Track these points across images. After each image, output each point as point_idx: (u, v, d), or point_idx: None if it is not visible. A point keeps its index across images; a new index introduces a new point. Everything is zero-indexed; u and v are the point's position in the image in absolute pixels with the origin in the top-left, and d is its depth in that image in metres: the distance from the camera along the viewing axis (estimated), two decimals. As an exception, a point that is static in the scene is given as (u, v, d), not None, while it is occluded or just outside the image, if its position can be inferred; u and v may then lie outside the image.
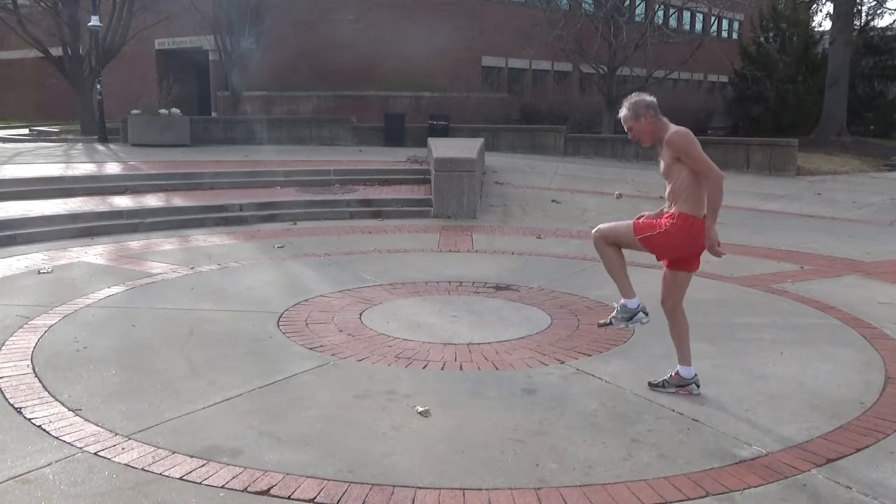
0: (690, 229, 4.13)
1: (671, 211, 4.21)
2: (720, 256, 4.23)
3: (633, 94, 4.28)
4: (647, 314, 4.39)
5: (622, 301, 4.40)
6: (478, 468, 3.49)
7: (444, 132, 20.12)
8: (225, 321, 5.73)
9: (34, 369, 4.62)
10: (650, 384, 4.44)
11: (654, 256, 4.40)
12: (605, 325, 4.53)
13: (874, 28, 31.19)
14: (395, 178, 13.42)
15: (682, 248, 4.21)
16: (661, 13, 28.18)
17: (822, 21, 45.24)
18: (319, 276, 7.21)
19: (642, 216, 4.36)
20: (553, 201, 12.18)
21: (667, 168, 4.19)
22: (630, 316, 4.38)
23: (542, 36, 24.52)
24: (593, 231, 4.41)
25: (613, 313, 4.45)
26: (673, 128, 4.14)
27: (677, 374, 4.40)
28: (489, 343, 5.22)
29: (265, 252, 8.29)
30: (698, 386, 4.38)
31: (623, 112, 4.22)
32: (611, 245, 4.33)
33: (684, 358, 4.41)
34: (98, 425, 3.86)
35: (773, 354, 5.06)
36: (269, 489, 3.28)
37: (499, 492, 3.29)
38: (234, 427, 3.88)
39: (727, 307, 6.26)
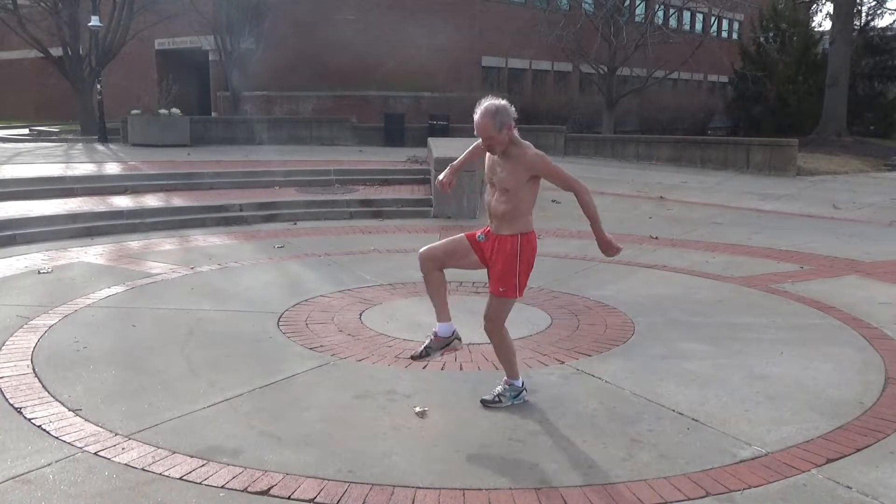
0: (532, 244, 4.04)
1: (504, 234, 3.96)
2: (614, 255, 4.04)
3: (491, 100, 3.88)
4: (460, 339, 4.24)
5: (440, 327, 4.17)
6: (478, 468, 3.49)
7: (444, 132, 20.13)
8: (225, 321, 5.72)
9: (34, 369, 4.62)
10: (484, 402, 4.17)
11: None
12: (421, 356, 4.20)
13: (874, 28, 31.14)
14: (395, 178, 13.42)
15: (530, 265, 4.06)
16: (661, 13, 28.18)
17: (822, 21, 45.35)
18: (319, 276, 7.21)
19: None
20: (553, 201, 12.15)
21: (516, 184, 3.89)
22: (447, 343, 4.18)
23: (542, 36, 24.55)
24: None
25: (427, 343, 4.18)
26: (527, 144, 3.92)
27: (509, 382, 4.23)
28: (489, 343, 5.21)
29: (265, 252, 8.29)
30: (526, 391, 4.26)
31: (484, 119, 3.83)
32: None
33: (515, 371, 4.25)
34: (98, 425, 3.86)
35: (773, 354, 5.06)
36: (269, 489, 3.28)
37: (499, 492, 3.29)
38: (234, 427, 3.88)
39: (727, 307, 6.26)
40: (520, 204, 3.95)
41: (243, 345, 5.19)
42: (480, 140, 4.04)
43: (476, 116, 3.86)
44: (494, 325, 4.13)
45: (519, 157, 3.90)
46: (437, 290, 4.18)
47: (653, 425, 3.95)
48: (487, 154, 4.04)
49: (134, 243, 8.70)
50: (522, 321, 5.76)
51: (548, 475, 3.43)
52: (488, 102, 3.87)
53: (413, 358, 4.25)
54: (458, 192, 11.00)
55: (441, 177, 4.32)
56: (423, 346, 4.19)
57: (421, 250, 4.17)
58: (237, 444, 3.68)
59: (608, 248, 3.98)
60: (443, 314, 4.18)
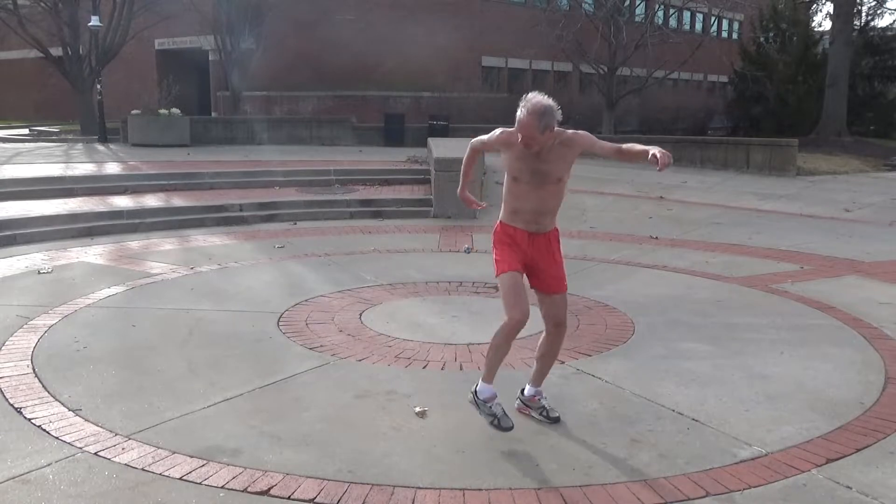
0: None
1: (550, 229, 3.77)
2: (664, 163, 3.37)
3: (539, 98, 3.48)
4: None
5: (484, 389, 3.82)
6: (478, 468, 3.49)
7: (444, 132, 20.13)
8: (225, 321, 5.72)
9: (34, 369, 4.62)
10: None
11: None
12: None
13: (874, 28, 31.15)
14: (395, 178, 13.41)
15: None
16: (661, 13, 28.20)
17: (822, 21, 45.29)
18: (319, 276, 7.21)
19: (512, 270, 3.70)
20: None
21: (568, 169, 3.65)
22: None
23: (542, 36, 24.55)
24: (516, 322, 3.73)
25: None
26: (562, 129, 3.63)
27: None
28: (489, 343, 5.22)
29: (265, 252, 8.29)
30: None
31: (530, 118, 3.44)
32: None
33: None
34: (98, 425, 3.85)
35: (773, 354, 5.06)
36: (269, 489, 3.28)
37: (499, 492, 3.29)
38: (234, 427, 3.87)
39: (727, 307, 6.26)
40: (561, 194, 3.72)
41: (243, 345, 5.19)
42: (478, 143, 3.94)
43: (521, 113, 3.46)
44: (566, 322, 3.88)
45: (566, 142, 3.59)
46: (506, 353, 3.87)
47: (653, 425, 3.95)
48: (514, 149, 3.62)
49: (134, 243, 8.70)
50: (522, 321, 5.76)
51: (548, 475, 3.43)
52: (536, 100, 3.47)
53: (508, 429, 3.72)
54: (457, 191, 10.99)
55: (461, 194, 4.18)
56: (501, 418, 3.73)
57: (520, 315, 3.68)
58: (237, 444, 3.68)
59: (659, 157, 3.32)
60: (493, 376, 3.86)
